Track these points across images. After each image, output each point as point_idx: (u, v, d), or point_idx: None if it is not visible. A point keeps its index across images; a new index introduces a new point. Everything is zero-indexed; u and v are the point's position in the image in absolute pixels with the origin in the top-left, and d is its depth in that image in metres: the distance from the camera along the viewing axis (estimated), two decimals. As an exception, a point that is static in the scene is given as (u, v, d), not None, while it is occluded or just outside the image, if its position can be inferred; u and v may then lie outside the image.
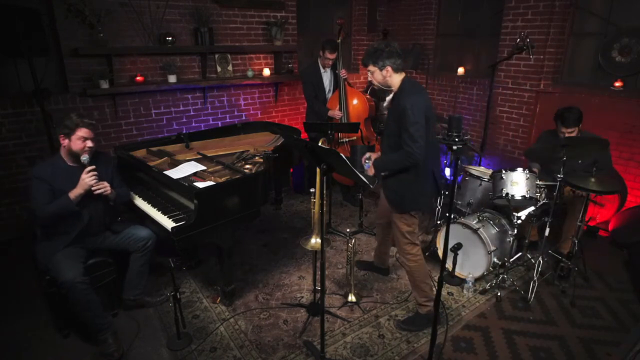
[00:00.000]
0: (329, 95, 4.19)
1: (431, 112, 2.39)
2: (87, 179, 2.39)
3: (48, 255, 2.43)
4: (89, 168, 2.40)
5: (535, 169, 3.21)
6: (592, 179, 2.74)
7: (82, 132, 2.42)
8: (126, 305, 2.81)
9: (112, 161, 2.79)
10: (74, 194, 2.38)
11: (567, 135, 3.10)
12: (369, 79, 2.51)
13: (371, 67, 2.44)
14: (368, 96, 4.27)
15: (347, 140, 4.06)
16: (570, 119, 3.06)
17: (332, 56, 3.95)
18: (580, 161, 3.12)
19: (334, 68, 4.14)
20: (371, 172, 2.53)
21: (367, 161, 2.61)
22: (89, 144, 2.45)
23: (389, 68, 2.39)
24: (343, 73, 3.96)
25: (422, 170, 2.40)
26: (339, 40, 3.94)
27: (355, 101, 4.08)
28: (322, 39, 4.09)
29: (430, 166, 2.43)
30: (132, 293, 2.78)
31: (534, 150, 3.17)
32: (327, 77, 4.14)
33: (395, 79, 2.43)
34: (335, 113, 4.00)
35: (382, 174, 2.50)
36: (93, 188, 2.42)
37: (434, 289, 2.61)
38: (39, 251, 2.50)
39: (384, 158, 2.50)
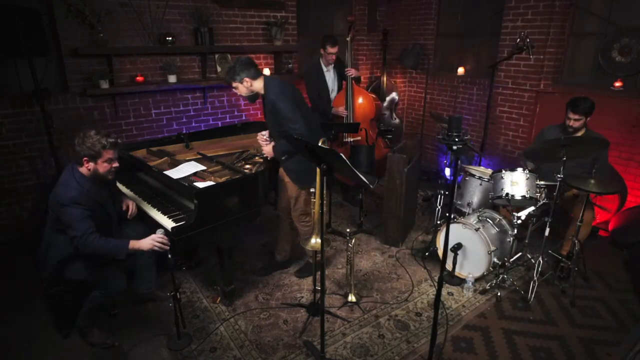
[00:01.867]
0: (333, 94, 4.18)
1: (300, 99, 2.77)
2: (155, 243, 2.30)
3: (92, 267, 2.37)
4: (165, 237, 2.32)
5: (529, 167, 3.21)
6: (592, 180, 2.74)
7: (108, 154, 2.29)
8: (138, 298, 2.84)
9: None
10: (133, 246, 2.28)
11: (573, 123, 3.10)
12: (238, 93, 2.80)
13: (234, 84, 2.73)
14: (374, 95, 4.26)
15: (351, 140, 4.05)
16: (580, 105, 3.06)
17: (334, 50, 3.94)
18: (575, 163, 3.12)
19: (338, 67, 4.13)
20: (266, 151, 2.86)
21: (265, 138, 2.90)
22: (115, 164, 2.35)
23: (247, 79, 2.68)
24: (351, 72, 3.95)
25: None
26: (348, 39, 3.93)
27: (361, 100, 4.06)
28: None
29: None
30: (145, 287, 2.81)
31: (533, 150, 3.17)
32: (329, 76, 4.13)
33: (257, 85, 2.72)
34: (340, 111, 3.99)
35: (282, 158, 2.81)
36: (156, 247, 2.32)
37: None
38: (77, 265, 2.37)
39: (280, 143, 2.80)
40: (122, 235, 2.64)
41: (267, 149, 2.86)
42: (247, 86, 2.70)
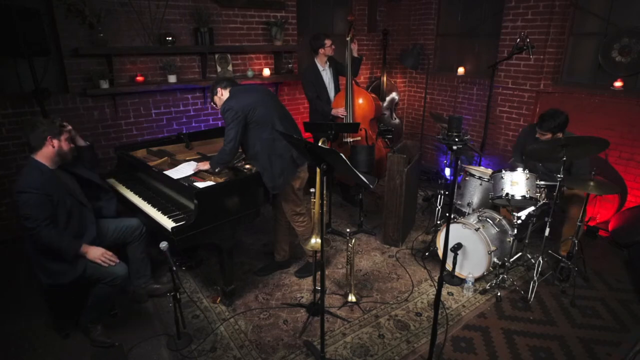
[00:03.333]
0: (331, 94, 4.18)
1: (261, 108, 2.72)
2: (101, 258, 2.34)
3: (83, 262, 2.36)
4: (113, 256, 2.39)
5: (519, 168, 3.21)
6: (591, 182, 2.74)
7: (66, 131, 2.40)
8: (137, 296, 2.85)
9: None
10: (84, 249, 2.32)
11: (539, 136, 3.10)
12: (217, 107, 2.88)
13: (214, 99, 2.89)
14: (374, 95, 4.25)
15: (351, 140, 4.05)
16: (545, 122, 3.03)
17: (330, 41, 3.98)
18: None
19: (333, 65, 4.12)
20: (204, 166, 2.87)
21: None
22: (72, 144, 2.46)
23: (219, 89, 2.84)
24: (355, 47, 3.97)
25: (269, 156, 2.76)
26: (348, 38, 3.93)
27: (361, 100, 4.06)
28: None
29: (280, 150, 2.77)
30: (141, 281, 2.85)
31: (534, 150, 3.16)
32: (326, 75, 4.13)
33: (225, 95, 2.83)
34: (339, 111, 3.98)
35: (217, 169, 2.85)
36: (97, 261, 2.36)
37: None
38: (74, 263, 2.34)
39: (213, 158, 2.87)
40: (94, 207, 2.61)
41: (201, 165, 2.89)
42: (220, 96, 2.83)
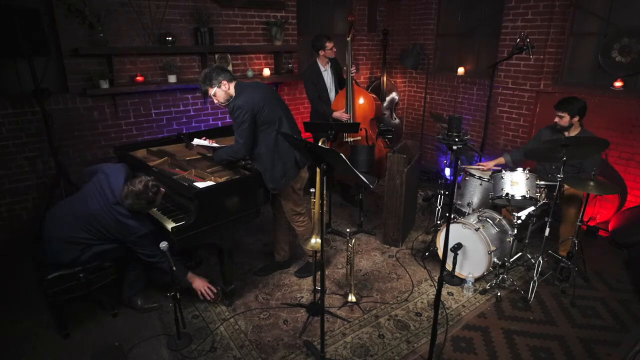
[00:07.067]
0: (332, 94, 4.18)
1: (267, 107, 2.65)
2: (206, 290, 2.71)
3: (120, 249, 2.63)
4: (215, 290, 2.75)
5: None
6: (591, 182, 2.74)
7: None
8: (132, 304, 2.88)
9: None
10: (189, 277, 2.70)
11: (558, 120, 3.15)
12: (216, 102, 2.72)
13: (211, 90, 2.65)
14: (374, 95, 4.25)
15: (351, 140, 4.05)
16: (563, 103, 3.10)
17: (332, 44, 3.98)
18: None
19: (334, 66, 4.12)
20: (214, 146, 2.94)
21: None
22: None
23: (224, 81, 2.62)
24: (353, 70, 3.95)
25: (272, 157, 2.73)
26: (348, 38, 3.93)
27: (361, 100, 4.06)
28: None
29: (283, 150, 2.74)
30: (131, 293, 2.82)
31: (534, 150, 3.17)
32: (327, 75, 4.12)
33: (232, 89, 2.67)
34: (342, 115, 3.97)
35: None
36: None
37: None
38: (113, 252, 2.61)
39: (221, 149, 2.87)
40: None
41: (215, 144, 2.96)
42: (226, 89, 2.64)
